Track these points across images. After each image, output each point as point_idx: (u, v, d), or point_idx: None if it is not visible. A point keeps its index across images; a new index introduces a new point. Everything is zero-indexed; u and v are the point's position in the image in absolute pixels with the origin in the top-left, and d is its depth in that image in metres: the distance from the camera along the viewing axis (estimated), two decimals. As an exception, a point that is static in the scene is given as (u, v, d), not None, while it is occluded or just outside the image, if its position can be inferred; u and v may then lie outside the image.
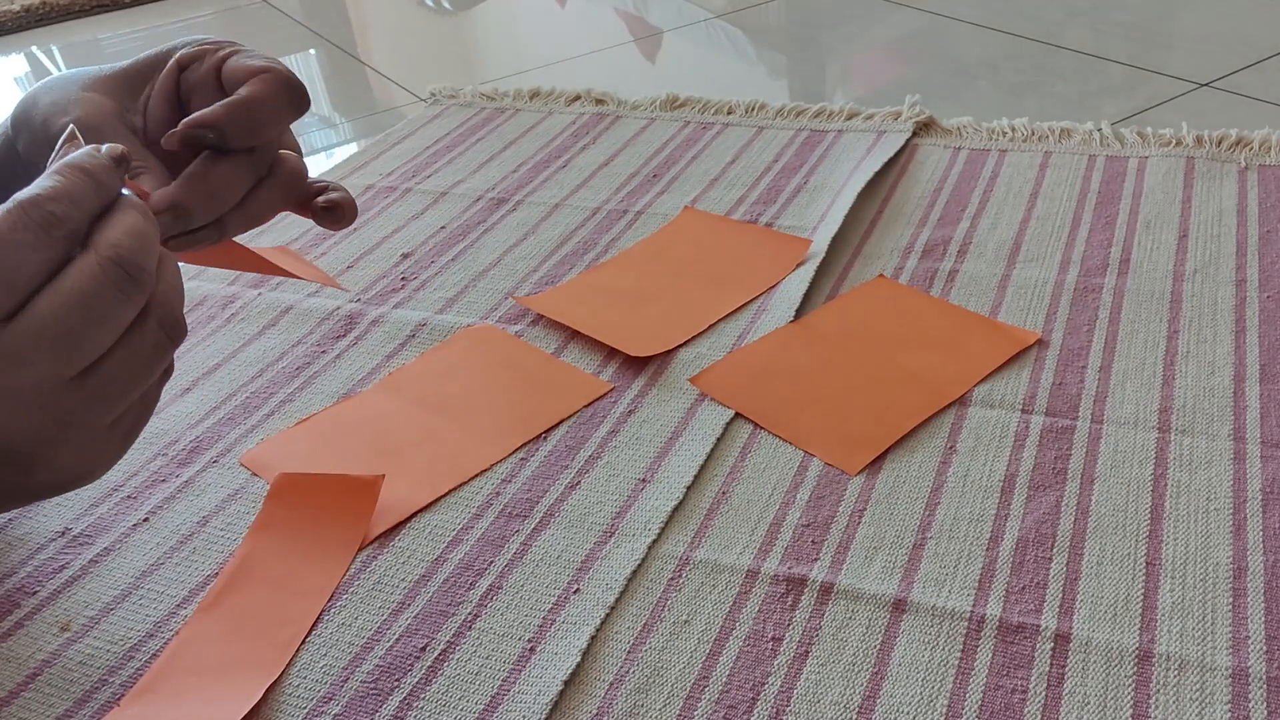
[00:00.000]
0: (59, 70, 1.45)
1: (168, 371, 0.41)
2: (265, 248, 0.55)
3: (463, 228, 0.88)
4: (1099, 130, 0.90)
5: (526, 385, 0.68)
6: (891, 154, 0.89)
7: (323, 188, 0.51)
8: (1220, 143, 0.86)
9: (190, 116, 0.44)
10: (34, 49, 1.54)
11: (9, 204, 0.35)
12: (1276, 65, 1.03)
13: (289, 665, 0.51)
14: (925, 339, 0.68)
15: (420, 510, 0.59)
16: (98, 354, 0.36)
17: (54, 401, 0.36)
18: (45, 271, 0.35)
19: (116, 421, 0.39)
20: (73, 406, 0.36)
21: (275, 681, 0.50)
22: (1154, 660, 0.47)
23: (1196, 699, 0.45)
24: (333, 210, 0.50)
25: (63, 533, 0.60)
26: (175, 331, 0.38)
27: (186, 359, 0.74)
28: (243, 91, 0.45)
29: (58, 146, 0.39)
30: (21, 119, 0.49)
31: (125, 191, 0.38)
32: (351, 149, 1.10)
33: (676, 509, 0.57)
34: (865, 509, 0.56)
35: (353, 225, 0.90)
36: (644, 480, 0.60)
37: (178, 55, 0.48)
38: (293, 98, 0.46)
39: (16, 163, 0.50)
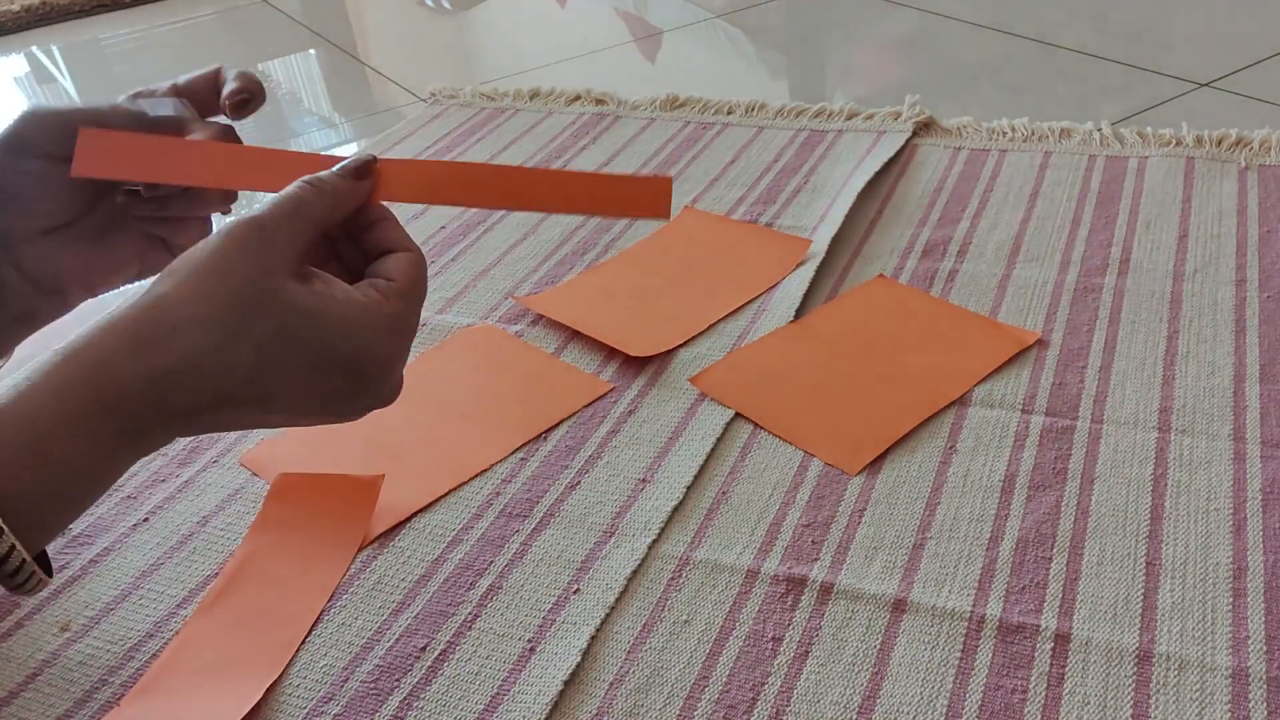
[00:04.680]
0: (59, 70, 1.45)
1: None
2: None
3: (463, 228, 0.88)
4: (1099, 130, 0.90)
5: (526, 385, 0.68)
6: (891, 154, 0.89)
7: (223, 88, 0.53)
8: (1220, 143, 0.86)
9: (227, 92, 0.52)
10: (34, 49, 1.54)
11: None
12: (1276, 65, 1.03)
13: (289, 665, 0.51)
14: (925, 339, 0.68)
15: (420, 510, 0.59)
16: None
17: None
18: None
19: None
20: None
21: (275, 681, 0.50)
22: (1154, 660, 0.47)
23: (1196, 699, 0.45)
24: (247, 105, 0.52)
25: (63, 533, 0.60)
26: None
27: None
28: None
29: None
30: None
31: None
32: (351, 149, 1.10)
33: (676, 509, 0.57)
34: (865, 509, 0.56)
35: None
36: (644, 480, 0.60)
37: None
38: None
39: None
